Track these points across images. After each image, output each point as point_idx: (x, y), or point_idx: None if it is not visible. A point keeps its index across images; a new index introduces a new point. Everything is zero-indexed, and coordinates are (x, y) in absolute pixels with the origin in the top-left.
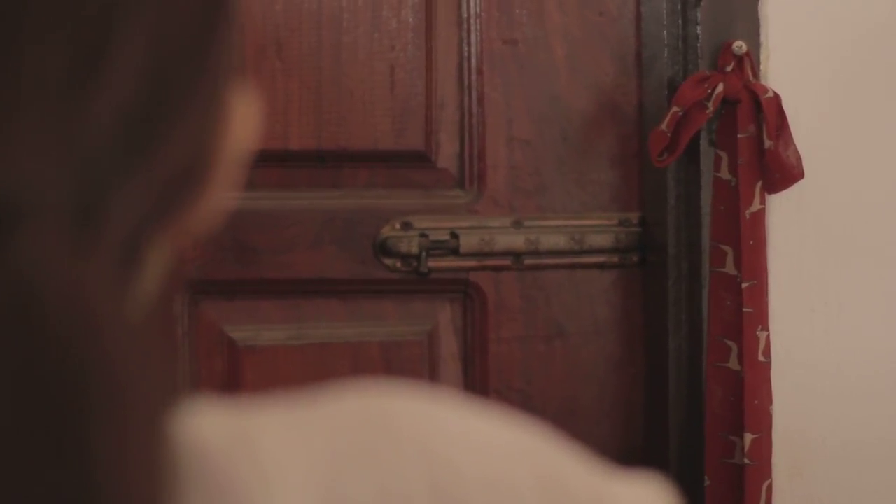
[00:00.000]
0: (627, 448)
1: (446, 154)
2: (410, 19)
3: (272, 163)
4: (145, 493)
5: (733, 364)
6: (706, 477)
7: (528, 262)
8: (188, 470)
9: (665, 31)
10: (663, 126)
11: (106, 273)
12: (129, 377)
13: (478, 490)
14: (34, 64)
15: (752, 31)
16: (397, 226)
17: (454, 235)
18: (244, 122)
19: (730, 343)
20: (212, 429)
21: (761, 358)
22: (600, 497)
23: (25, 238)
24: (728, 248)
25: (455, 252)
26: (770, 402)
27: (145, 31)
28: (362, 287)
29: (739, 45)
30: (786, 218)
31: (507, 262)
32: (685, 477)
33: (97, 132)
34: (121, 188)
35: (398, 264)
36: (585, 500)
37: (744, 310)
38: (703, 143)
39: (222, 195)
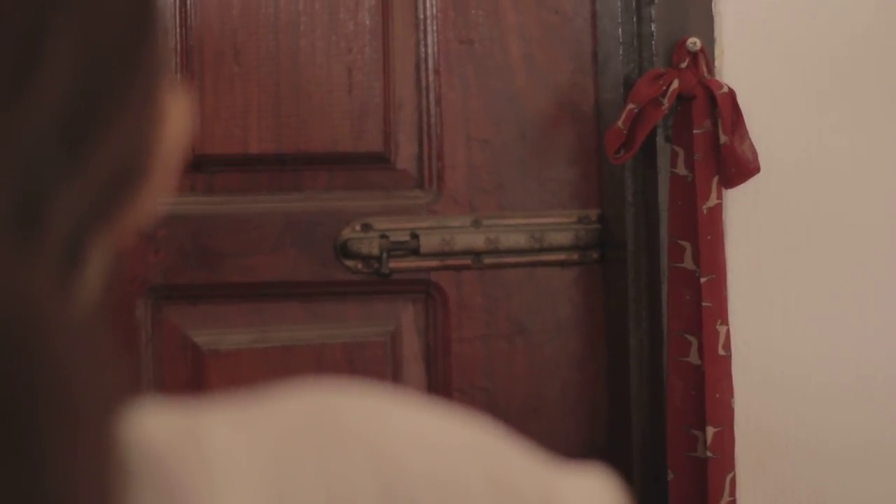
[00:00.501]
0: (591, 444)
1: (405, 155)
2: (367, 21)
3: (233, 167)
4: (94, 493)
5: (693, 358)
6: (669, 471)
7: (489, 261)
8: (136, 469)
9: (620, 29)
10: (619, 123)
11: (49, 274)
12: (77, 376)
13: (427, 488)
14: None
15: (706, 28)
16: (357, 227)
17: (414, 236)
18: (178, 122)
19: (690, 337)
20: (160, 428)
21: (721, 352)
22: (548, 494)
23: None
24: (686, 244)
25: (416, 252)
26: (731, 395)
27: (76, 35)
28: (324, 289)
29: (693, 42)
30: (743, 212)
31: (467, 261)
32: (649, 471)
33: (32, 135)
34: (60, 190)
35: (359, 266)
36: (534, 497)
37: (703, 304)
38: (660, 139)
39: (159, 193)
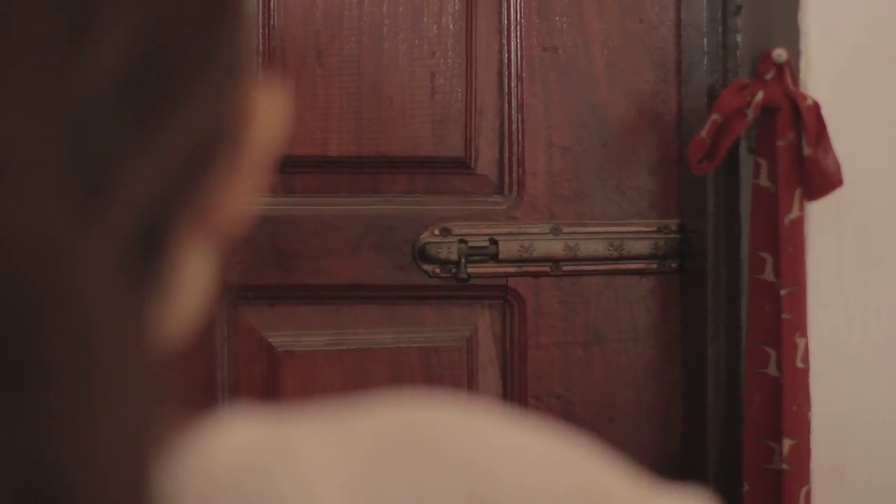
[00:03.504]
0: (666, 454)
1: (485, 160)
2: (451, 26)
3: (312, 168)
4: (114, 461)
5: (772, 370)
6: (745, 482)
7: (567, 268)
8: (226, 485)
9: (705, 39)
10: (703, 133)
11: (109, 244)
12: (100, 344)
13: (515, 498)
14: (24, 22)
15: (792, 39)
16: (436, 232)
17: (493, 241)
18: (269, 115)
19: (768, 349)
20: (249, 441)
21: (800, 364)
22: None
23: (6, 192)
24: (767, 256)
25: (494, 258)
26: (808, 407)
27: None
28: (401, 293)
29: (779, 53)
30: (824, 225)
31: (546, 268)
32: (724, 483)
33: (91, 94)
34: (125, 159)
35: (437, 270)
36: None
37: (782, 316)
38: (743, 150)
39: (249, 188)
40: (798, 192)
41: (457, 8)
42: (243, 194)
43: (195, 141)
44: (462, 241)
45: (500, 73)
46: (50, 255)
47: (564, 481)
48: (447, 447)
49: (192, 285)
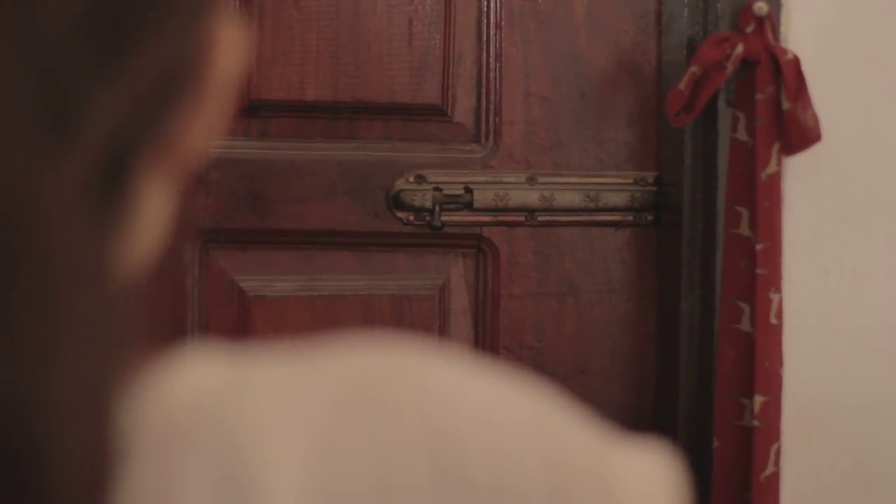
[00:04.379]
0: (637, 408)
1: (462, 108)
2: None
3: (288, 113)
4: (79, 395)
5: (745, 326)
6: (715, 438)
7: (542, 218)
8: (181, 426)
9: None
10: (681, 86)
11: (73, 176)
12: (64, 274)
13: (481, 465)
14: None
15: None
16: (411, 179)
17: (468, 190)
18: (230, 51)
19: (742, 305)
20: (209, 382)
21: (773, 320)
22: (605, 473)
23: None
24: (743, 210)
25: (469, 207)
26: (781, 364)
27: None
28: (375, 239)
29: (760, 6)
30: (802, 180)
31: (521, 217)
32: (694, 438)
33: (55, 28)
34: (90, 92)
35: (411, 218)
36: (590, 476)
37: (757, 271)
38: (721, 103)
39: (210, 125)
40: (776, 147)
41: None
42: (204, 131)
43: (158, 76)
44: (437, 189)
45: (479, 21)
46: (14, 188)
47: (529, 446)
48: (411, 408)
49: (151, 220)
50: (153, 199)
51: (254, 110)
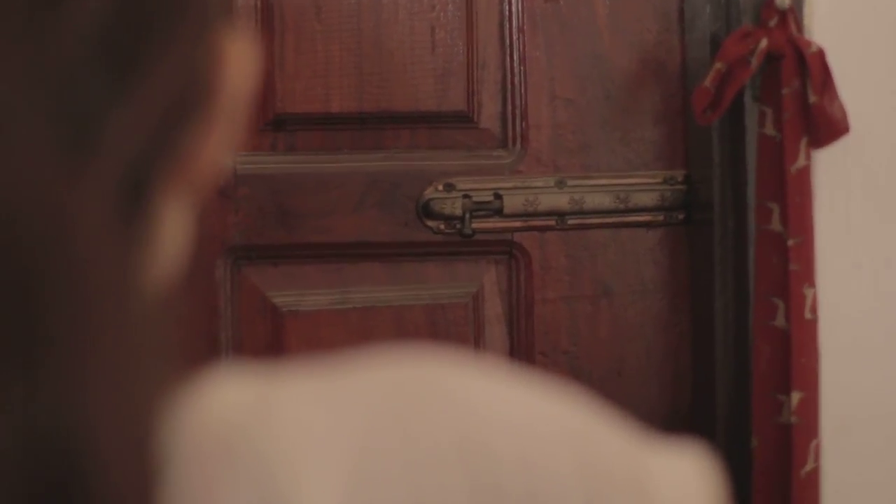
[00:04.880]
0: (675, 408)
1: (488, 114)
2: None
3: (314, 126)
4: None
5: (780, 322)
6: (754, 436)
7: (573, 221)
8: (211, 443)
9: None
10: (707, 83)
11: (100, 194)
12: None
13: (515, 475)
14: None
15: None
16: (440, 187)
17: (497, 196)
18: (241, 66)
19: (776, 301)
20: (240, 400)
21: (808, 315)
22: (640, 478)
23: None
24: (774, 205)
25: (499, 213)
26: (817, 359)
27: None
28: (405, 250)
29: (782, 0)
30: (831, 173)
31: (551, 222)
32: (732, 436)
33: (72, 48)
34: (108, 112)
35: (441, 226)
36: (625, 482)
37: (790, 267)
38: (747, 99)
39: (225, 141)
40: (804, 141)
41: None
42: (219, 146)
43: (172, 93)
44: (466, 196)
45: (502, 26)
46: (42, 208)
47: (564, 453)
48: (445, 421)
49: (172, 239)
50: (172, 217)
51: (279, 124)
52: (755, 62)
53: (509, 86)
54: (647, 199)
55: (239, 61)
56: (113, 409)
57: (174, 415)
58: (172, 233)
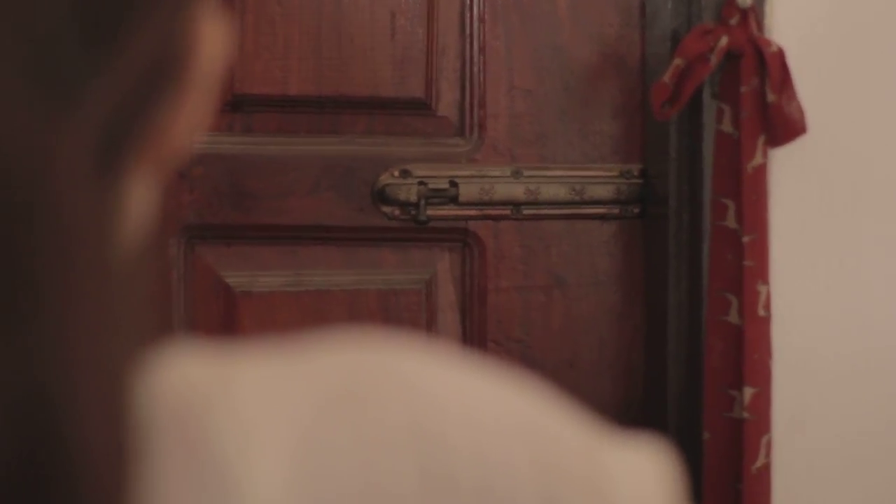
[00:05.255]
0: (626, 401)
1: (447, 102)
2: None
3: (271, 108)
4: (95, 360)
5: (733, 318)
6: (705, 430)
7: (528, 211)
8: (163, 416)
9: None
10: (666, 78)
11: (78, 152)
12: (81, 233)
13: (469, 468)
14: None
15: None
16: (396, 173)
17: (453, 184)
18: (214, 43)
19: (730, 297)
20: (192, 375)
21: (761, 312)
22: (597, 474)
23: None
24: (729, 202)
25: (454, 201)
26: (770, 356)
27: None
28: (360, 234)
29: None
30: (788, 172)
31: (506, 211)
32: (684, 431)
33: (49, 13)
34: (84, 77)
35: (396, 212)
36: (581, 478)
37: (744, 263)
38: (706, 95)
39: (196, 118)
40: (761, 139)
41: None
42: (189, 124)
43: (147, 66)
44: (422, 183)
45: (462, 14)
46: (23, 162)
47: (519, 448)
48: (399, 409)
49: (137, 209)
50: (138, 191)
51: (237, 105)
52: (715, 59)
53: (468, 74)
54: (603, 191)
55: (213, 39)
56: (92, 365)
57: (140, 382)
58: (138, 206)
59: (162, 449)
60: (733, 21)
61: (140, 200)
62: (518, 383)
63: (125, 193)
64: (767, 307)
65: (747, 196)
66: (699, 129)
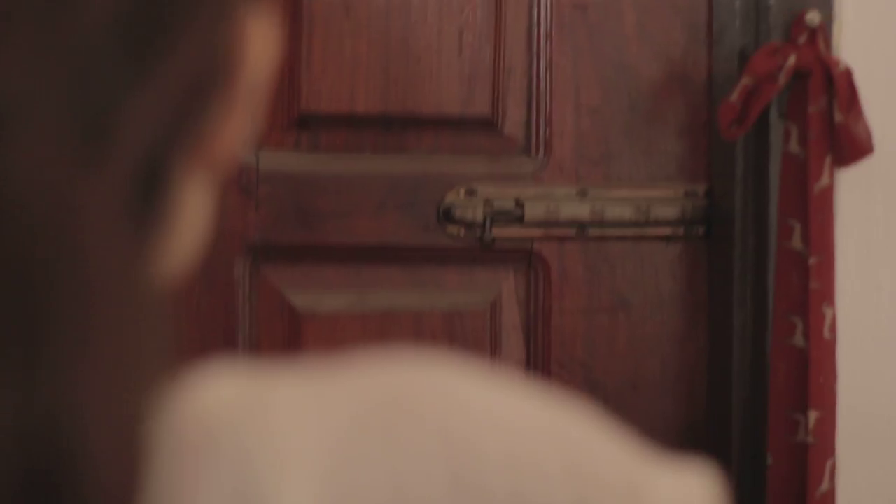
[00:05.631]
0: (690, 424)
1: (513, 120)
2: None
3: (338, 125)
4: (107, 407)
5: (798, 341)
6: (769, 454)
7: (593, 232)
8: (198, 437)
9: (737, 1)
10: (733, 97)
11: (113, 185)
12: (102, 278)
13: (500, 472)
14: None
15: (826, 3)
16: (462, 193)
17: (519, 204)
18: (262, 48)
19: (795, 319)
20: (227, 395)
21: (827, 335)
22: (635, 488)
23: (7, 140)
24: (796, 223)
25: (520, 221)
26: (835, 379)
27: None
28: (425, 254)
29: (812, 17)
30: (855, 194)
31: (571, 231)
32: (747, 455)
33: (87, 34)
34: (126, 98)
35: (462, 232)
36: (618, 489)
37: (810, 286)
38: (773, 115)
39: (244, 123)
40: (828, 160)
41: None
42: (238, 129)
43: (191, 77)
44: (487, 203)
45: (530, 31)
46: (52, 201)
47: (552, 453)
48: (430, 419)
49: (191, 221)
50: (192, 202)
51: (304, 123)
52: (783, 78)
53: (535, 92)
54: (668, 211)
55: (261, 44)
56: (105, 404)
57: (166, 407)
58: (193, 218)
59: (195, 470)
60: (801, 40)
61: (195, 209)
62: (566, 403)
63: (176, 207)
64: (833, 330)
65: (814, 217)
66: (766, 148)
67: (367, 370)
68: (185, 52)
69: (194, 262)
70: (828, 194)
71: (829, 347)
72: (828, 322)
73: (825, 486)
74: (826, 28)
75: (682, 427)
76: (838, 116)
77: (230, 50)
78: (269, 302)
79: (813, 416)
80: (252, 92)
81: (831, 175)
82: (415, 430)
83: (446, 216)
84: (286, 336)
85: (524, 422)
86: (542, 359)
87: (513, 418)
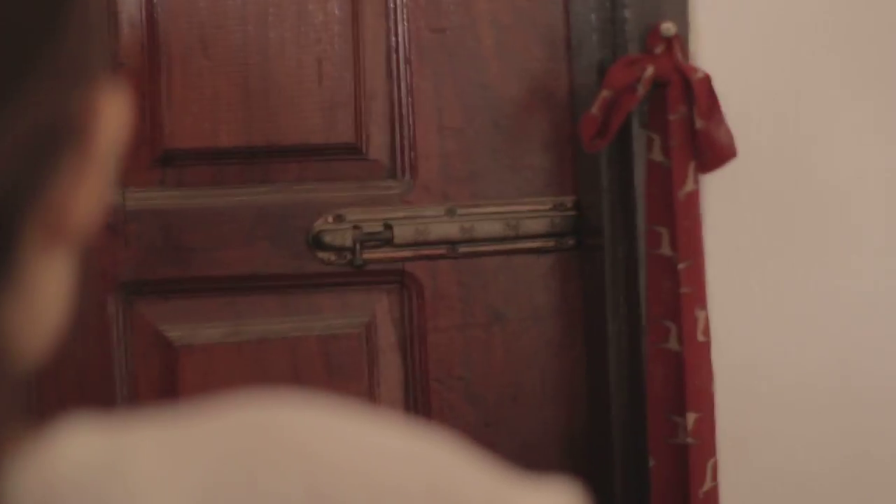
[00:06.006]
0: (570, 432)
1: (377, 145)
2: (336, 11)
3: (202, 161)
4: None
5: (673, 344)
6: (650, 457)
7: (464, 249)
8: (61, 490)
9: (593, 15)
10: (594, 110)
11: None
12: None
13: (358, 489)
14: None
15: (681, 12)
16: (330, 219)
17: (388, 226)
18: (114, 117)
19: (668, 324)
20: (84, 451)
21: (700, 337)
22: None
23: None
24: (663, 230)
25: (389, 243)
26: (711, 380)
27: None
28: (298, 281)
29: (668, 27)
30: (721, 198)
31: (442, 250)
32: (630, 458)
33: None
34: None
35: (333, 257)
36: None
37: (681, 290)
38: (635, 125)
39: (97, 191)
40: (692, 165)
41: None
42: (92, 195)
43: (36, 139)
44: (356, 227)
45: (389, 57)
46: None
47: (415, 477)
48: (289, 445)
49: (50, 289)
50: (48, 266)
51: (168, 160)
52: (642, 89)
53: (397, 116)
54: (538, 225)
55: (113, 113)
56: None
57: (18, 472)
58: (52, 282)
59: None
60: (658, 50)
61: (54, 274)
62: (425, 431)
63: (30, 273)
64: (706, 332)
65: (681, 223)
66: (630, 158)
67: (223, 417)
68: (31, 114)
69: (61, 324)
70: (693, 200)
71: (704, 350)
72: (701, 325)
73: (708, 485)
74: (682, 37)
75: (563, 435)
76: (699, 123)
77: (80, 116)
78: (144, 337)
79: (691, 417)
80: (106, 158)
81: (696, 181)
82: (276, 463)
83: (316, 243)
84: (163, 370)
85: (385, 445)
86: (420, 376)
87: (373, 441)
